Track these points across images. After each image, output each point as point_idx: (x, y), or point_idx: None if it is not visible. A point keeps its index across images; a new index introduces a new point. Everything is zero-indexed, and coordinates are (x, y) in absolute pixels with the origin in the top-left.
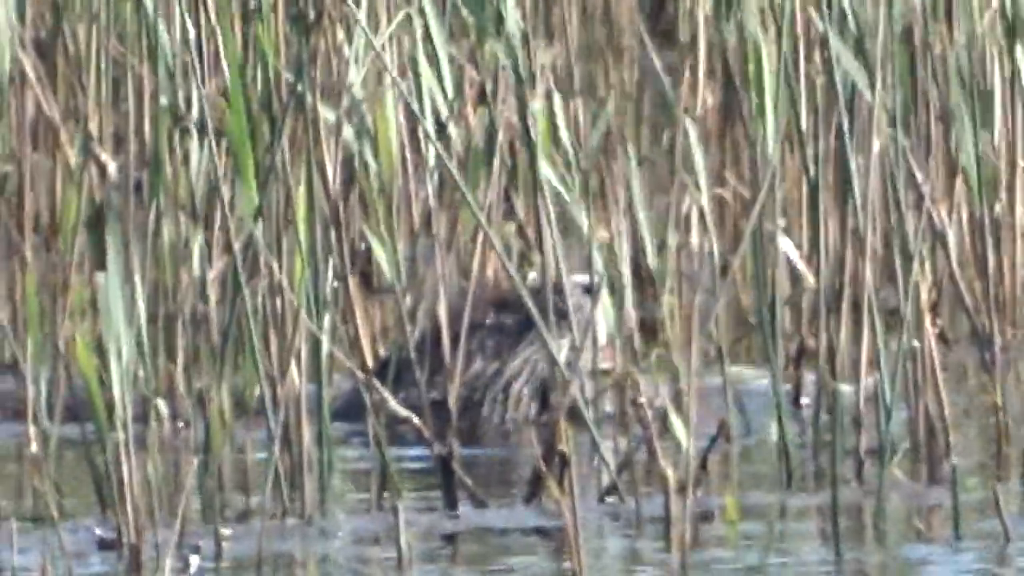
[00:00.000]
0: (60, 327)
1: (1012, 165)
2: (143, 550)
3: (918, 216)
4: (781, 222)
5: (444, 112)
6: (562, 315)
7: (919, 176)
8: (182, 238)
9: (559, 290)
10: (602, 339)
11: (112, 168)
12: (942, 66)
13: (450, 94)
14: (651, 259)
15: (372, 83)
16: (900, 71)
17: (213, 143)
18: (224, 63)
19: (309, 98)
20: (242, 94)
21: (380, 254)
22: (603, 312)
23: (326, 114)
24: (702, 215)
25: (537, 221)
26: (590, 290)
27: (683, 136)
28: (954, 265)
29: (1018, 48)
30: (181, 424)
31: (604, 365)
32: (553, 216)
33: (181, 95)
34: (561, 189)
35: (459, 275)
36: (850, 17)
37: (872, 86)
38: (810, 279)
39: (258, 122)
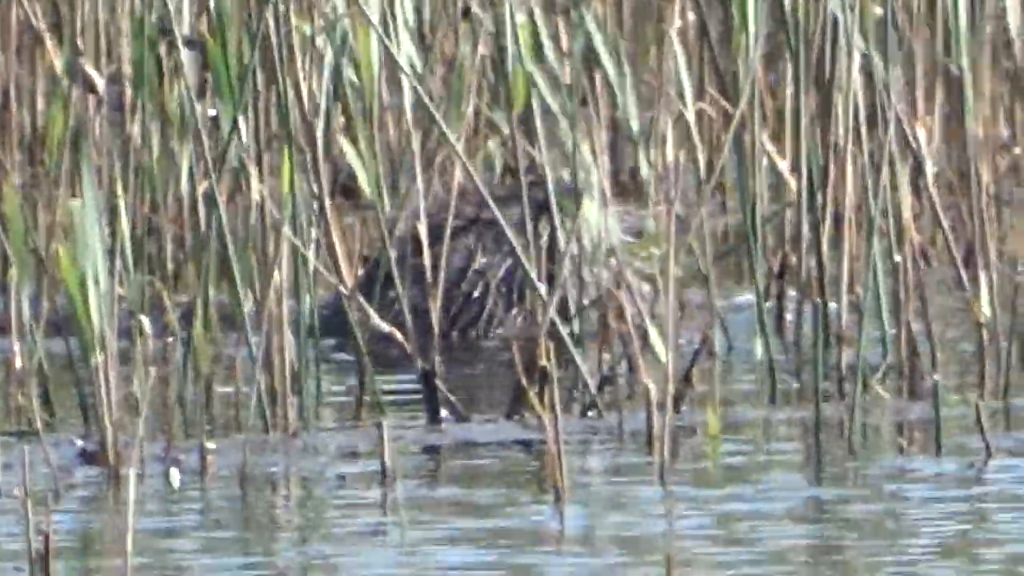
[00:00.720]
0: (45, 242)
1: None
2: (125, 464)
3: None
4: (765, 136)
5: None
6: (543, 209)
7: (893, 92)
8: (170, 154)
9: (537, 184)
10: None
11: (101, 84)
12: None
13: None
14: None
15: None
16: None
17: (184, 58)
18: None
19: (284, 12)
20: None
21: (359, 171)
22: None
23: (304, 29)
24: (688, 129)
25: (512, 131)
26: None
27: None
28: (930, 182)
29: None
30: (170, 339)
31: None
32: (540, 126)
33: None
34: (548, 98)
35: (441, 191)
36: None
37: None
38: (792, 184)
39: (241, 39)
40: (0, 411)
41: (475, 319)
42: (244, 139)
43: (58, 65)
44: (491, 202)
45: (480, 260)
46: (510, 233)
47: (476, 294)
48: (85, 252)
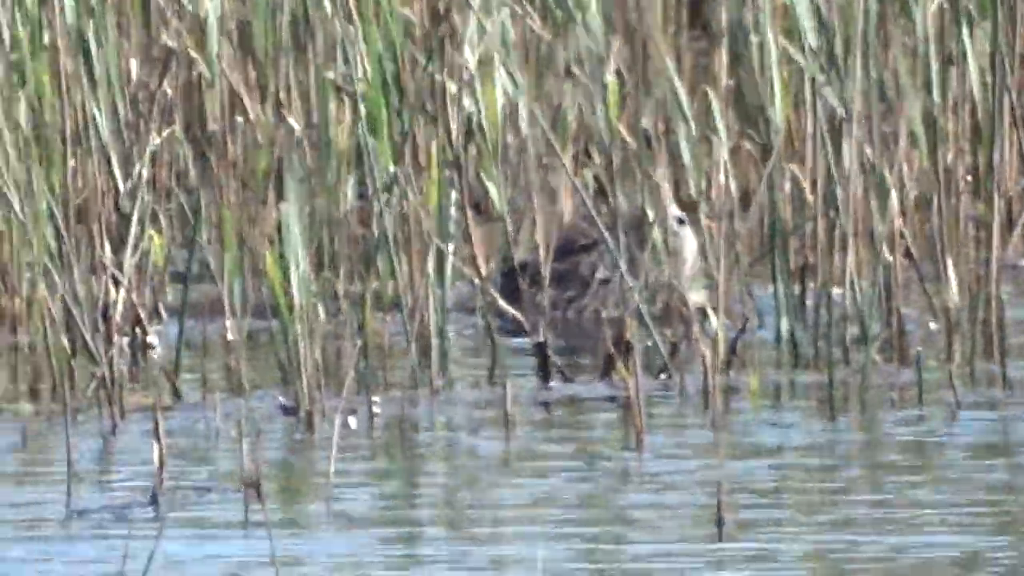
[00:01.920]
0: (254, 247)
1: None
2: (315, 414)
3: (888, 169)
4: (795, 167)
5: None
6: (642, 243)
7: (867, 144)
8: (342, 179)
9: (636, 224)
10: (691, 263)
11: (298, 129)
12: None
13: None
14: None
15: (485, 60)
16: (872, 57)
17: (362, 108)
18: (364, 50)
19: (437, 75)
20: (380, 74)
21: (492, 192)
22: (689, 242)
23: (449, 86)
24: (735, 160)
25: (609, 167)
26: (682, 221)
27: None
28: (895, 211)
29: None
30: (343, 319)
31: (693, 297)
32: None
33: (339, 73)
34: (630, 139)
35: (550, 207)
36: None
37: (841, 85)
38: (811, 202)
39: (395, 92)
40: (222, 375)
41: (596, 313)
42: (394, 167)
43: (263, 115)
44: (606, 233)
45: (601, 272)
46: (614, 249)
47: (596, 297)
48: (289, 245)
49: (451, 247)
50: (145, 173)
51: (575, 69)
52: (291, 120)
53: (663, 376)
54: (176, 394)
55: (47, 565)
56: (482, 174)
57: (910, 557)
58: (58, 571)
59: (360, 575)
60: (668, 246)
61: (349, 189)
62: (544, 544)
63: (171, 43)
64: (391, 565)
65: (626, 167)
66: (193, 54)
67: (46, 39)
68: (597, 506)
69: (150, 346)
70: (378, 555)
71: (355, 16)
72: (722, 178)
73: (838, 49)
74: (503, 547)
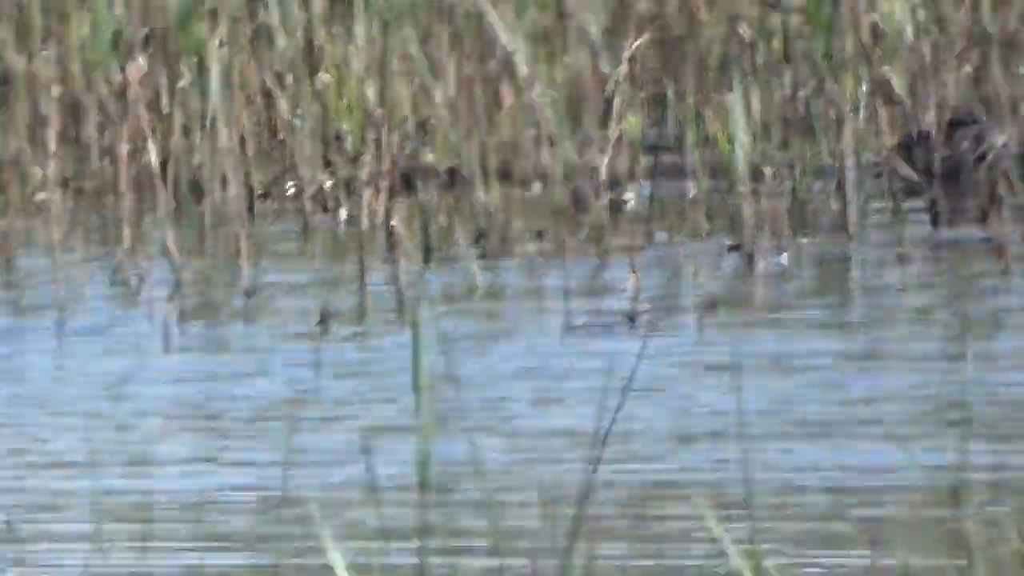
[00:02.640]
0: (710, 125)
1: None
2: (756, 253)
3: None
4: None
5: None
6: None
7: None
8: (776, 72)
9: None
10: None
11: (745, 33)
12: None
13: None
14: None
15: None
16: None
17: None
18: None
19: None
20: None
21: (894, 80)
22: None
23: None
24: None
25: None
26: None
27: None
28: None
29: None
30: (778, 180)
31: None
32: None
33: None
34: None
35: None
36: None
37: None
38: None
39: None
40: (680, 222)
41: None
42: (819, 62)
43: (713, 21)
44: (979, 112)
45: (980, 136)
46: (990, 123)
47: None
48: (735, 122)
49: (862, 123)
50: (624, 68)
51: None
52: (741, 30)
53: None
54: (648, 238)
55: (545, 362)
56: (886, 66)
57: None
58: (557, 370)
59: (802, 365)
60: None
61: (785, 80)
62: (926, 349)
63: None
64: (821, 366)
65: (1002, 59)
66: None
67: None
68: (971, 328)
69: (626, 201)
70: (808, 357)
71: None
72: None
73: None
74: (892, 345)
